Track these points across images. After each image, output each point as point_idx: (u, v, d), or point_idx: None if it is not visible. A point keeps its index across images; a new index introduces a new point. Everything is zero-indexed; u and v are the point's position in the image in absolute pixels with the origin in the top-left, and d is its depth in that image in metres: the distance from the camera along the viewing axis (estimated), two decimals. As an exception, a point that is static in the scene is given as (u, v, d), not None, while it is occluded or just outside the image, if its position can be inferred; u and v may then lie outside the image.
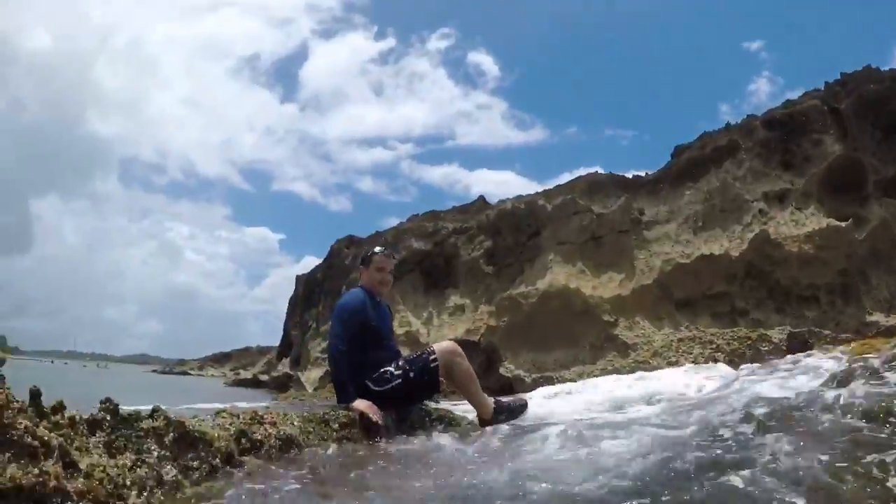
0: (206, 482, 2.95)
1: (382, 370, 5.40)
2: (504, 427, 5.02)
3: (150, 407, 3.07)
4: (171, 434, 2.99)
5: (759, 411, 3.91)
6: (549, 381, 14.71)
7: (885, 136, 15.06)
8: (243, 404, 4.21)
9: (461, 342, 6.77)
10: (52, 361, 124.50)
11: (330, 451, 4.00)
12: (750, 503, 2.41)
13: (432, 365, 5.42)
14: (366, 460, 3.78)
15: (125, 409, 2.92)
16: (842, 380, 4.56)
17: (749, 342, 13.97)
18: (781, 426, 3.47)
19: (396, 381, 5.34)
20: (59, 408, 2.57)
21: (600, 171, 18.68)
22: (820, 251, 14.19)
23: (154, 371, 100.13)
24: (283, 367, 33.55)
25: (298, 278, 35.42)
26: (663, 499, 2.54)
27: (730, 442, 3.32)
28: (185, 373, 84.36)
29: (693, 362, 13.70)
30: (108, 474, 2.44)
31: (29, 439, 2.22)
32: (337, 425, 4.54)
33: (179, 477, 2.86)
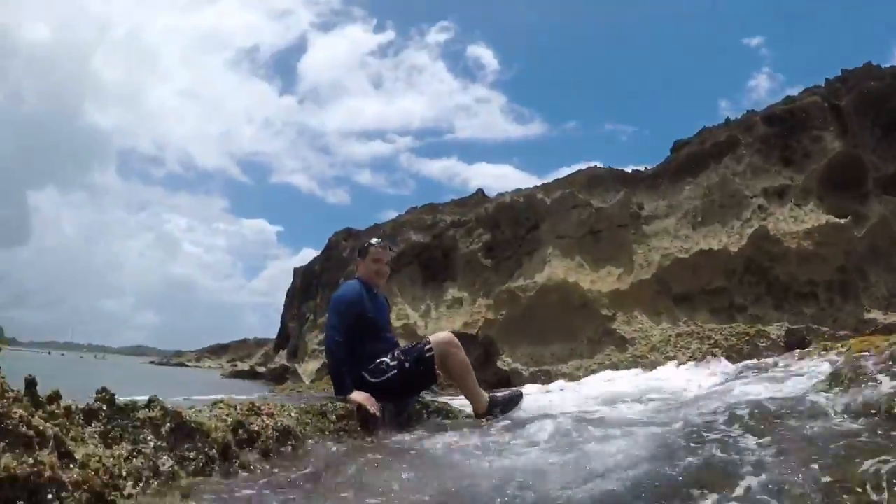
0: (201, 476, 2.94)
1: (378, 361, 5.39)
2: (498, 423, 5.01)
3: (147, 397, 3.05)
4: (168, 424, 2.96)
5: (745, 412, 3.90)
6: (547, 375, 14.72)
7: (885, 133, 15.04)
8: (241, 396, 4.19)
9: (459, 335, 6.74)
10: (49, 353, 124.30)
11: (329, 446, 3.98)
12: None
13: (427, 355, 5.41)
14: (347, 458, 3.76)
15: (121, 399, 2.90)
16: (835, 381, 4.54)
17: (747, 338, 13.98)
18: (767, 430, 3.45)
19: (392, 372, 5.33)
20: (55, 397, 2.54)
21: (599, 165, 18.68)
22: (819, 248, 14.18)
23: (151, 362, 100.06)
24: (281, 359, 33.53)
25: (296, 270, 35.39)
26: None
27: (714, 448, 3.30)
28: (182, 364, 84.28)
29: (691, 357, 13.72)
30: (103, 465, 2.41)
31: (24, 429, 2.20)
32: (334, 417, 4.52)
33: (176, 468, 2.84)
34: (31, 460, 2.12)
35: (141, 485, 2.55)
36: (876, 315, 13.54)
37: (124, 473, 2.50)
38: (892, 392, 3.70)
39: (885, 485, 2.45)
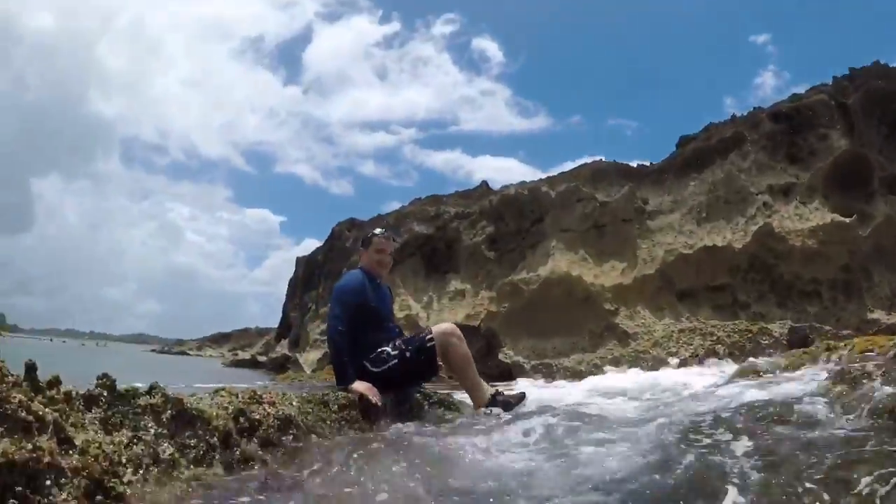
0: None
1: (380, 350, 5.38)
2: (497, 418, 4.98)
3: (148, 385, 3.03)
4: (169, 412, 2.94)
5: (738, 415, 3.88)
6: (549, 368, 14.71)
7: (891, 132, 15.01)
8: (242, 385, 4.17)
9: (461, 327, 6.72)
10: (51, 340, 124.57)
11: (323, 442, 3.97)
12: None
13: (429, 345, 5.39)
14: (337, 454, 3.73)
15: (122, 385, 2.88)
16: (837, 383, 4.49)
17: (750, 335, 13.94)
18: (760, 435, 3.41)
19: (393, 362, 5.32)
20: (55, 382, 2.52)
21: (604, 160, 18.62)
22: (823, 246, 14.15)
23: (153, 350, 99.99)
24: (282, 348, 33.52)
25: (299, 260, 35.36)
26: None
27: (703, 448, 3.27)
28: (183, 353, 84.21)
29: (693, 354, 13.71)
30: (103, 451, 2.39)
31: (23, 414, 2.17)
32: (336, 407, 4.51)
33: (176, 455, 2.82)
34: (29, 446, 2.09)
35: (141, 472, 2.52)
36: (879, 315, 13.51)
37: (124, 460, 2.48)
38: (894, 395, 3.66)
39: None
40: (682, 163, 16.88)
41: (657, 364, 13.84)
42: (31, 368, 2.41)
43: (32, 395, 2.33)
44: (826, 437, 3.22)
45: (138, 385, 3.00)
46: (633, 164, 18.09)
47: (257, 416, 3.57)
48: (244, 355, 49.43)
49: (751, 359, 9.48)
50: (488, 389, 5.80)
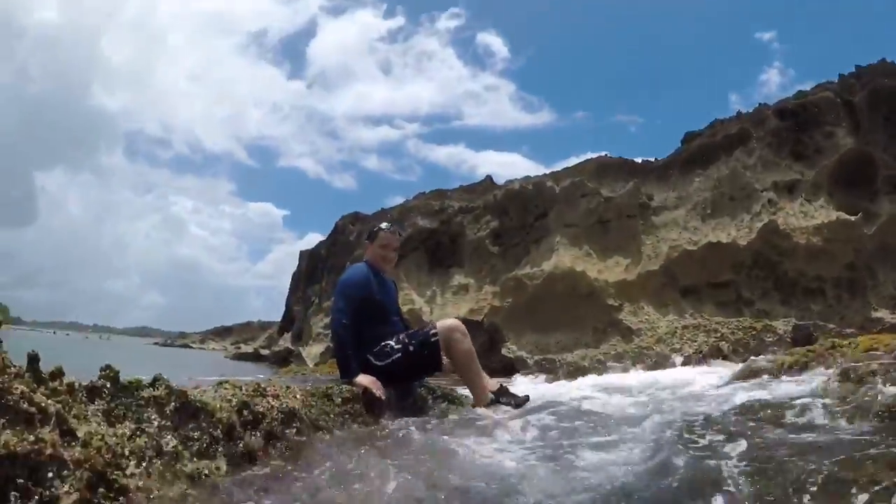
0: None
1: (383, 344, 5.36)
2: (496, 415, 4.97)
3: (151, 376, 3.00)
4: (173, 404, 2.91)
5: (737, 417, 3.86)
6: (552, 364, 14.69)
7: (897, 130, 14.95)
8: (246, 378, 4.15)
9: (464, 321, 6.72)
10: (54, 332, 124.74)
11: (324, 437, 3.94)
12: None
13: (432, 340, 5.36)
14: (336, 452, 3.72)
15: (125, 377, 2.85)
16: (840, 382, 4.45)
17: (753, 332, 13.92)
18: (757, 436, 3.38)
19: (396, 356, 5.30)
20: (58, 374, 2.49)
21: (609, 155, 18.56)
22: (828, 244, 14.11)
23: (155, 343, 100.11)
24: (285, 341, 33.57)
25: (302, 254, 35.39)
26: None
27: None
28: (186, 346, 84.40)
29: (697, 350, 13.69)
30: (106, 443, 2.36)
31: (25, 405, 2.14)
32: (340, 400, 4.48)
33: (179, 448, 2.79)
34: (31, 437, 2.06)
35: (144, 464, 2.49)
36: (883, 314, 13.47)
37: (127, 452, 2.45)
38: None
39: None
40: (687, 159, 16.83)
41: (661, 360, 13.82)
42: (33, 359, 2.38)
43: (35, 386, 2.29)
44: (826, 441, 3.17)
45: (141, 377, 2.98)
46: (638, 160, 18.06)
47: (261, 409, 3.54)
48: (247, 349, 49.57)
49: (753, 357, 9.47)
50: (491, 386, 5.79)
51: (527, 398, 5.97)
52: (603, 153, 18.56)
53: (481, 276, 18.29)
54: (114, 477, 2.28)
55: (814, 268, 14.31)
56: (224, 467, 2.96)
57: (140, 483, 2.39)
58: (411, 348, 5.33)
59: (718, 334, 14.10)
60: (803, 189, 15.02)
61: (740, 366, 9.05)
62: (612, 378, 11.72)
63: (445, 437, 4.04)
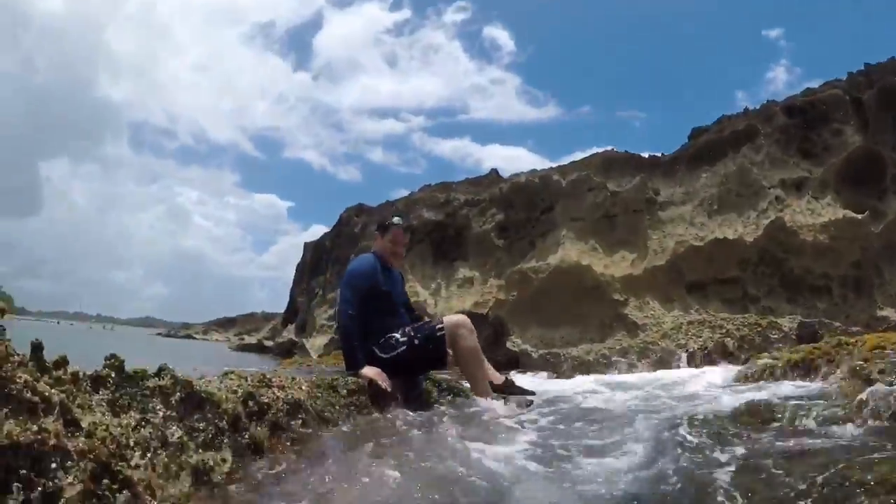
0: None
1: (388, 335, 5.34)
2: (498, 411, 4.96)
3: (157, 366, 2.97)
4: (178, 394, 2.88)
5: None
6: (557, 358, 14.68)
7: (905, 129, 14.87)
8: (252, 369, 4.12)
9: (469, 314, 6.71)
10: (57, 322, 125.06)
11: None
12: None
13: (438, 334, 5.35)
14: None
15: (131, 366, 2.82)
16: (847, 382, 4.40)
17: (759, 329, 13.89)
18: (750, 441, 3.34)
19: (402, 348, 5.29)
20: (62, 363, 2.45)
21: (616, 150, 18.49)
22: (834, 242, 14.05)
23: (158, 334, 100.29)
24: (289, 333, 33.60)
25: (306, 245, 35.41)
26: None
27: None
28: (189, 336, 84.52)
29: (702, 346, 13.65)
30: (110, 433, 2.32)
31: (28, 394, 2.10)
32: (345, 392, 4.47)
33: (185, 439, 2.76)
34: (35, 427, 2.03)
35: (149, 455, 2.46)
36: (889, 312, 13.42)
37: (132, 443, 2.41)
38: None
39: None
40: (694, 154, 16.78)
41: (666, 356, 13.80)
42: (37, 348, 2.35)
43: (38, 375, 2.26)
44: (831, 444, 3.10)
45: (146, 367, 2.94)
46: (645, 154, 17.99)
47: (266, 400, 3.52)
48: (250, 340, 49.66)
49: (758, 355, 9.42)
50: (497, 380, 5.78)
51: (533, 394, 5.97)
52: (608, 148, 18.51)
53: (486, 269, 18.27)
54: (118, 468, 2.24)
55: (820, 265, 14.26)
56: (230, 459, 2.93)
57: (144, 475, 2.36)
58: (416, 341, 5.31)
59: (724, 330, 14.06)
60: (811, 186, 14.96)
61: (745, 364, 9.02)
62: (614, 377, 11.73)
63: (449, 438, 4.01)
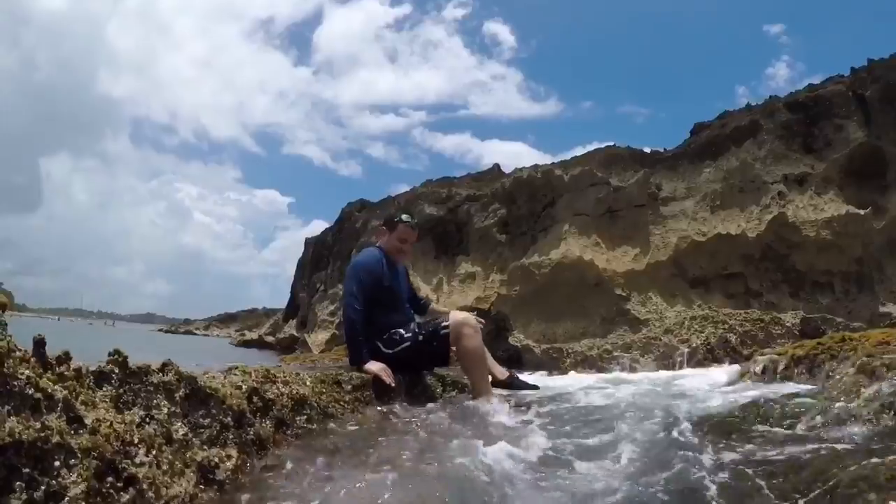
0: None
1: (393, 331, 5.35)
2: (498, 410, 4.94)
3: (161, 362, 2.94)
4: (182, 390, 2.85)
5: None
6: (559, 353, 14.68)
7: (909, 125, 14.84)
8: (256, 364, 4.10)
9: (471, 310, 6.69)
10: (58, 319, 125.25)
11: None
12: None
13: (442, 332, 5.35)
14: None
15: (135, 362, 2.79)
16: (851, 380, 4.35)
17: (762, 324, 13.87)
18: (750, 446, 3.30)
19: (405, 344, 5.30)
20: (65, 358, 2.41)
21: (618, 145, 18.47)
22: (837, 238, 14.01)
23: (160, 330, 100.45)
24: (290, 328, 33.65)
25: (308, 241, 35.47)
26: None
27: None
28: (190, 332, 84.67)
29: (705, 341, 13.66)
30: (114, 430, 2.29)
31: (31, 391, 2.07)
32: (350, 387, 4.46)
33: (189, 435, 2.73)
34: (37, 424, 2.00)
35: (153, 452, 2.43)
36: (891, 308, 13.38)
37: (136, 440, 2.38)
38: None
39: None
40: (696, 150, 16.74)
41: (669, 351, 13.80)
42: (39, 343, 2.31)
43: (41, 371, 2.22)
44: (834, 445, 3.06)
45: (150, 362, 2.92)
46: (647, 150, 17.97)
47: (271, 396, 3.51)
48: (251, 335, 49.72)
49: (761, 351, 9.39)
50: (501, 374, 5.78)
51: (536, 388, 5.97)
52: (609, 143, 18.49)
53: (488, 264, 18.25)
54: (123, 465, 2.21)
55: (823, 261, 14.23)
56: (235, 455, 2.91)
57: (149, 472, 2.33)
58: (421, 338, 5.32)
59: (726, 326, 14.04)
60: (813, 182, 14.91)
61: (748, 360, 8.99)
62: (614, 375, 11.73)
63: (450, 437, 3.99)
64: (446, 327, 5.35)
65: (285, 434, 3.45)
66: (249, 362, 4.03)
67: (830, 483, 2.42)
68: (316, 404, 3.88)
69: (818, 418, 3.63)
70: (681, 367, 13.18)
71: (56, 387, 2.20)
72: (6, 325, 2.22)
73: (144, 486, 2.23)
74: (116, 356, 2.68)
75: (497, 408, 5.03)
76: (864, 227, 13.80)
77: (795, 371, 6.53)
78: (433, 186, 21.86)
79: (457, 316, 5.55)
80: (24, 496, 1.86)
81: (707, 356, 13.60)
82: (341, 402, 4.23)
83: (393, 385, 4.83)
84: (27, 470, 1.90)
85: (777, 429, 3.60)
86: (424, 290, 18.60)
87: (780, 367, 6.88)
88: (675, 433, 3.65)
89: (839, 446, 3.00)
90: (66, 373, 2.36)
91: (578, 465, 3.31)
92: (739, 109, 17.47)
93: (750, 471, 2.83)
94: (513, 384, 6.14)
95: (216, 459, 2.75)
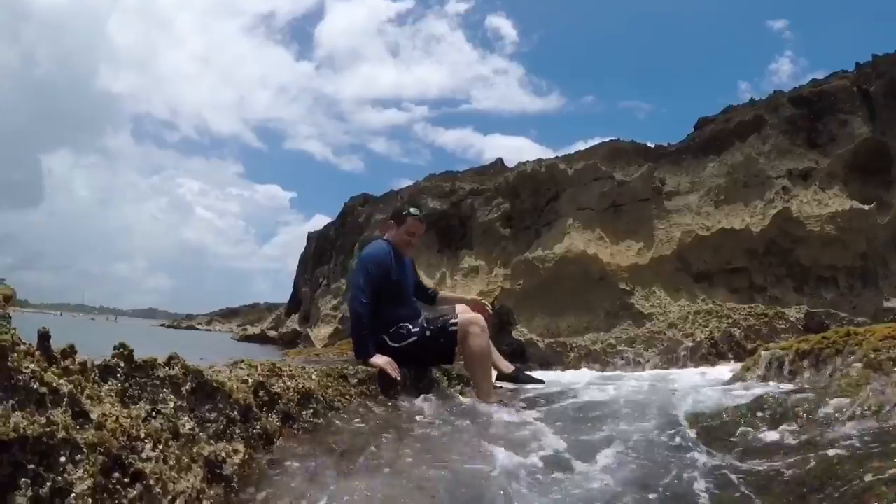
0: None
1: (400, 325, 5.33)
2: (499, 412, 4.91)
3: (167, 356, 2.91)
4: (189, 384, 2.82)
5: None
6: (563, 347, 14.66)
7: (913, 121, 14.81)
8: (261, 359, 4.08)
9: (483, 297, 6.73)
10: (60, 314, 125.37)
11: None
12: None
13: (451, 329, 5.33)
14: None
15: (140, 356, 2.76)
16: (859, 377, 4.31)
17: (766, 319, 13.86)
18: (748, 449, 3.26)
19: (412, 339, 5.28)
20: (70, 352, 2.38)
21: (622, 139, 18.44)
22: (842, 233, 13.99)
23: (162, 325, 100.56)
24: (293, 323, 33.67)
25: (310, 235, 35.49)
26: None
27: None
28: (192, 327, 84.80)
29: (709, 336, 13.64)
30: (120, 425, 2.26)
31: (36, 385, 2.04)
32: (356, 381, 4.44)
33: (196, 429, 2.70)
34: (42, 419, 1.96)
35: (160, 447, 2.40)
36: (895, 304, 13.38)
37: (143, 435, 2.35)
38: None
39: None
40: (700, 144, 16.70)
41: (673, 345, 13.78)
42: (44, 337, 2.27)
43: (46, 365, 2.19)
44: (832, 445, 3.01)
45: (156, 356, 2.89)
46: (651, 144, 17.94)
47: (277, 390, 3.48)
48: (254, 330, 49.80)
49: (765, 345, 9.35)
50: (507, 368, 5.77)
51: (542, 382, 5.96)
52: (611, 138, 18.45)
53: (492, 258, 18.22)
54: (129, 461, 2.18)
55: (827, 256, 14.21)
56: (241, 450, 2.88)
57: (156, 467, 2.29)
58: (428, 333, 5.30)
59: (731, 320, 14.02)
60: (817, 177, 14.88)
61: (752, 356, 8.94)
62: (615, 372, 11.70)
63: (451, 437, 3.97)
64: (455, 324, 5.33)
65: (292, 428, 3.42)
66: (252, 357, 4.01)
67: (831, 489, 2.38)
68: (322, 398, 3.86)
69: (818, 416, 3.59)
70: (684, 362, 13.17)
71: (61, 381, 2.16)
72: (10, 318, 2.18)
73: (151, 482, 2.20)
74: (122, 350, 2.65)
75: (498, 408, 5.00)
76: (869, 223, 13.77)
77: (800, 365, 6.49)
78: (436, 180, 21.84)
79: (467, 314, 5.53)
80: (29, 493, 1.82)
81: (711, 351, 13.59)
82: (347, 396, 4.21)
83: (398, 379, 4.82)
84: (32, 466, 1.86)
85: (775, 432, 3.55)
86: (427, 283, 18.60)
87: (785, 362, 6.84)
88: (672, 435, 3.63)
89: (837, 446, 2.95)
90: (71, 367, 2.33)
91: (577, 466, 3.29)
92: (743, 104, 17.44)
93: (744, 478, 2.79)
94: (518, 378, 6.14)
95: (223, 454, 2.72)
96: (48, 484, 1.88)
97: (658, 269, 15.30)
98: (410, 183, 23.78)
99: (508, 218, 18.42)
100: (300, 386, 3.68)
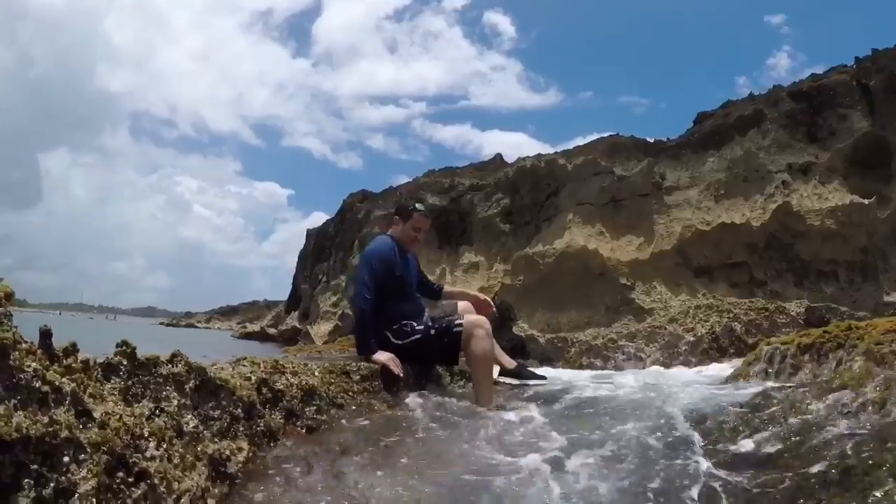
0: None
1: (404, 322, 5.29)
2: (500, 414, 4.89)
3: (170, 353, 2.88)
4: (192, 381, 2.79)
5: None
6: (564, 342, 14.65)
7: (913, 115, 14.79)
8: (262, 356, 4.06)
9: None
10: (59, 313, 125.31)
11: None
12: None
13: (455, 329, 5.27)
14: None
15: (143, 353, 2.73)
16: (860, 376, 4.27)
17: (766, 313, 13.87)
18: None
19: (416, 336, 5.24)
20: (72, 350, 2.34)
21: (621, 134, 18.40)
22: (842, 227, 13.99)
23: (161, 323, 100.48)
24: (292, 320, 33.70)
25: (309, 232, 35.52)
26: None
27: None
28: (191, 325, 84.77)
29: (710, 330, 13.63)
30: (124, 424, 2.23)
31: (38, 384, 2.00)
32: (358, 377, 4.41)
33: (200, 428, 2.67)
34: (45, 419, 1.93)
35: (164, 446, 2.37)
36: (895, 298, 13.37)
37: (146, 433, 2.32)
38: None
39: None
40: (700, 139, 16.70)
41: (674, 340, 13.78)
42: (45, 335, 2.24)
43: (48, 363, 2.15)
44: (834, 445, 2.97)
45: (159, 354, 2.86)
46: (650, 139, 17.91)
47: (280, 387, 3.46)
48: (253, 328, 49.82)
49: (766, 340, 9.30)
50: (509, 364, 5.75)
51: (544, 378, 5.94)
52: (609, 134, 18.42)
53: (492, 254, 18.22)
54: (133, 460, 2.15)
55: (827, 250, 14.21)
56: (245, 448, 2.85)
57: (161, 466, 2.27)
58: (432, 332, 5.26)
59: (731, 315, 14.03)
60: (817, 171, 14.87)
61: (753, 351, 8.90)
62: (614, 372, 11.70)
63: (450, 437, 3.95)
64: (459, 325, 5.28)
65: (295, 425, 3.40)
66: (253, 354, 3.98)
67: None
68: (325, 395, 3.83)
69: (819, 412, 3.54)
70: (685, 357, 13.15)
71: (63, 379, 2.13)
72: (11, 315, 2.15)
73: (156, 481, 2.17)
74: (125, 347, 2.61)
75: (498, 408, 4.98)
76: (869, 217, 13.77)
77: (802, 360, 6.46)
78: (436, 176, 21.83)
79: (472, 316, 5.48)
80: (32, 493, 1.79)
81: (712, 345, 13.59)
82: (350, 393, 4.18)
83: (401, 375, 4.79)
84: (35, 466, 1.83)
85: (775, 428, 3.51)
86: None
87: (787, 356, 6.81)
88: (668, 436, 3.59)
89: (839, 446, 2.91)
90: (73, 365, 2.29)
91: (574, 466, 3.27)
92: (743, 99, 17.43)
93: (739, 482, 2.77)
94: (521, 374, 6.11)
95: (227, 452, 2.69)
96: (51, 484, 1.85)
97: (658, 264, 15.30)
98: (409, 179, 23.76)
99: (508, 213, 18.40)
100: (303, 383, 3.65)
